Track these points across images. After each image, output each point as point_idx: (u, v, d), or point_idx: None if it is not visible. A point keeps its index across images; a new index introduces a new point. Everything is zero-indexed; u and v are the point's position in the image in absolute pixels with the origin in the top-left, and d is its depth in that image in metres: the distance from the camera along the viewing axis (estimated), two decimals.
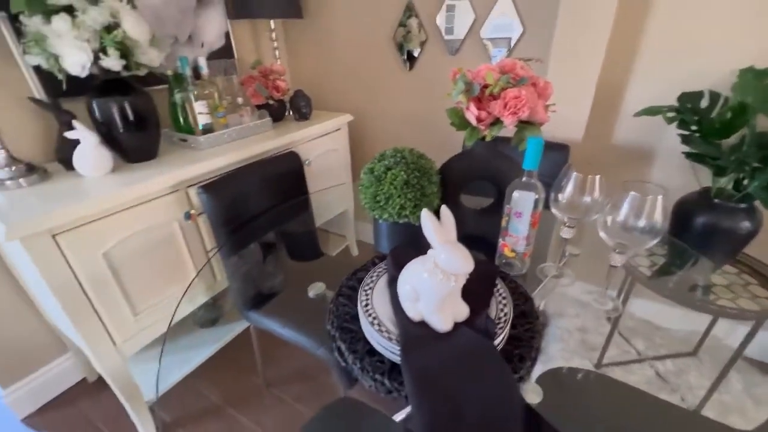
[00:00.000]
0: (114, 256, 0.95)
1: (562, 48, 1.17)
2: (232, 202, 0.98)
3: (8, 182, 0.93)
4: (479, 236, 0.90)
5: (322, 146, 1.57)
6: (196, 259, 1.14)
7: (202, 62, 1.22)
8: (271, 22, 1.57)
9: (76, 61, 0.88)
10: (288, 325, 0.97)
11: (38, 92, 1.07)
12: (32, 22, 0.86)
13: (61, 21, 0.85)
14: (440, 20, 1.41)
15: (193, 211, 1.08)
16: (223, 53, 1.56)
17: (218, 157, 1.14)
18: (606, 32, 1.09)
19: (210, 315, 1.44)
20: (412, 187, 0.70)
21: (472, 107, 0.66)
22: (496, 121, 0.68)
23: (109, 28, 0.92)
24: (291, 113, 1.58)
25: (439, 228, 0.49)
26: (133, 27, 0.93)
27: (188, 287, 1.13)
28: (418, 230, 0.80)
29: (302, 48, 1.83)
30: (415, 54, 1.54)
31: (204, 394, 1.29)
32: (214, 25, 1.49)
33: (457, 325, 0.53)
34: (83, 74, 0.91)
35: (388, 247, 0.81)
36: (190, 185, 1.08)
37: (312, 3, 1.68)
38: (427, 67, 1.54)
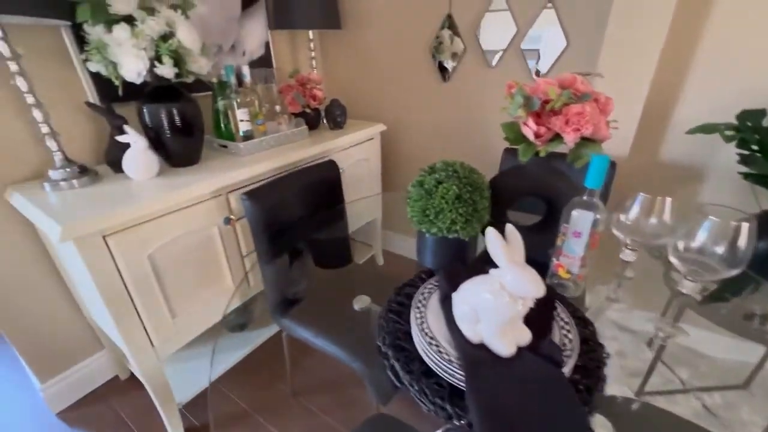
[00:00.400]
0: (157, 258, 0.96)
1: (609, 62, 1.14)
2: (272, 209, 0.98)
3: (62, 183, 0.96)
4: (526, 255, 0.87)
5: (355, 155, 1.57)
6: (232, 263, 1.15)
7: (246, 70, 1.25)
8: (310, 32, 1.60)
9: (133, 69, 0.91)
10: (321, 335, 0.96)
11: (92, 97, 1.12)
12: (95, 31, 0.89)
13: (121, 30, 0.88)
14: (480, 32, 1.41)
15: (232, 217, 1.09)
16: (263, 62, 1.59)
17: (258, 163, 1.15)
18: (658, 47, 1.06)
19: (239, 320, 1.45)
20: (464, 202, 0.68)
21: (531, 122, 0.64)
22: (555, 137, 0.66)
23: (165, 37, 0.95)
24: (325, 122, 1.60)
25: (507, 248, 0.48)
26: (186, 36, 0.96)
27: (236, 289, 1.14)
28: (465, 246, 0.79)
29: (337, 57, 1.86)
30: (451, 65, 1.53)
31: (232, 399, 1.29)
32: (255, 35, 1.53)
33: (519, 350, 0.50)
34: (138, 81, 0.94)
35: (432, 262, 0.80)
36: (231, 191, 1.10)
37: (350, 14, 1.70)
38: (464, 78, 1.53)
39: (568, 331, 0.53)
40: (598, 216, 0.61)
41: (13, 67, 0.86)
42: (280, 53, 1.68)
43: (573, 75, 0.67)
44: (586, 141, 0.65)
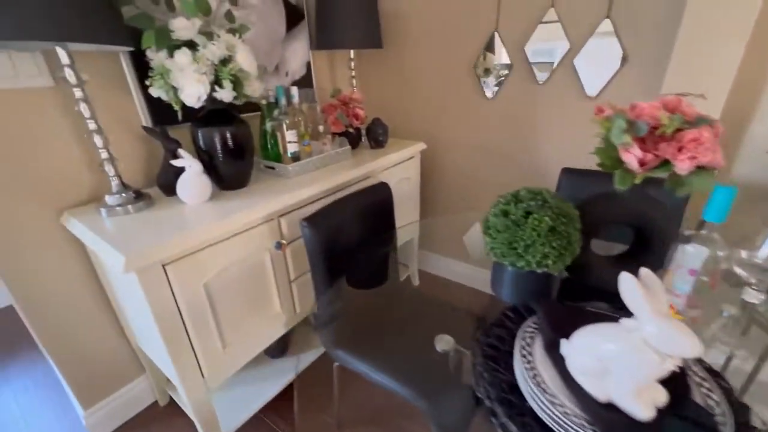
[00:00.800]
0: (212, 287, 0.93)
1: (677, 82, 1.08)
2: (331, 235, 0.94)
3: (118, 208, 0.94)
4: (604, 288, 0.81)
5: (396, 174, 1.53)
6: (281, 289, 1.12)
7: (294, 91, 1.23)
8: (351, 51, 1.59)
9: (194, 93, 0.89)
10: (382, 370, 0.90)
11: (146, 120, 1.11)
12: (158, 57, 0.89)
13: (183, 55, 0.87)
14: (529, 48, 1.37)
15: (283, 241, 1.06)
16: (304, 82, 1.58)
17: (308, 186, 1.12)
18: (734, 66, 0.99)
19: (280, 345, 1.40)
20: (558, 235, 0.63)
21: (636, 149, 0.59)
22: (661, 164, 0.60)
23: (224, 61, 0.93)
24: (365, 141, 1.57)
25: (649, 296, 0.42)
26: (245, 60, 0.94)
27: (287, 317, 1.10)
28: (551, 280, 0.72)
29: (375, 76, 1.84)
30: (496, 83, 1.49)
31: (275, 430, 1.24)
32: (298, 56, 1.52)
33: (659, 413, 0.44)
34: (198, 105, 0.92)
35: (513, 297, 0.74)
36: (282, 214, 1.07)
37: (391, 33, 1.69)
38: (510, 96, 1.49)
39: (709, 389, 0.46)
40: (720, 253, 0.55)
41: (77, 93, 0.85)
42: (319, 73, 1.68)
43: (677, 97, 0.61)
44: (698, 169, 0.59)
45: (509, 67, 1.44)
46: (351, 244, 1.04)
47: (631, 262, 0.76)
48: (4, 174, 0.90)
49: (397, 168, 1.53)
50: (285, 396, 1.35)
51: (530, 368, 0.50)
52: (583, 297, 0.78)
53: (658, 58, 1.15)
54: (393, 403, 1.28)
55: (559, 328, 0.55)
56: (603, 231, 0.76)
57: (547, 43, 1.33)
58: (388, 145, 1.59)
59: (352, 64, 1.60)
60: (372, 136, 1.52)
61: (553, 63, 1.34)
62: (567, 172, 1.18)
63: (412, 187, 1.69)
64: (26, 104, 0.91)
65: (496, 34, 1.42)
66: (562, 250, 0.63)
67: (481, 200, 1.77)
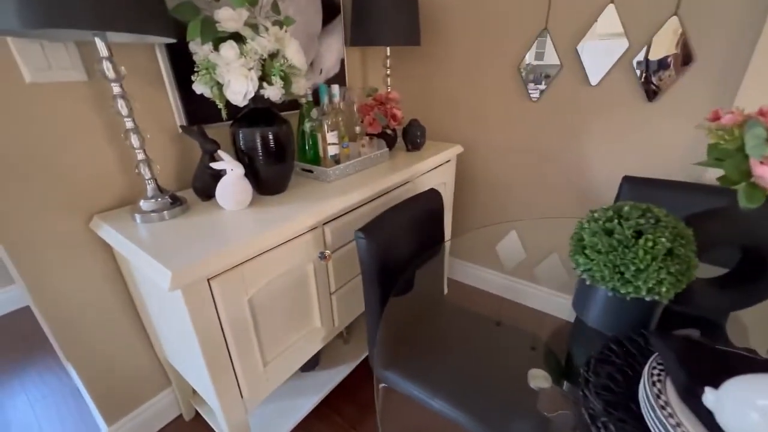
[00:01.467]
0: (256, 301, 0.86)
1: (758, 86, 0.99)
2: (385, 248, 0.87)
3: (153, 214, 0.87)
4: (701, 314, 0.73)
5: (434, 179, 1.45)
6: (321, 301, 1.04)
7: (336, 90, 1.16)
8: (387, 49, 1.51)
9: (241, 90, 0.82)
10: (440, 396, 0.82)
11: (180, 119, 1.04)
12: (202, 51, 0.81)
13: (229, 48, 0.80)
14: (582, 47, 1.28)
15: (327, 252, 0.98)
16: (337, 80, 1.51)
17: (351, 192, 1.04)
18: None
19: (312, 358, 1.33)
20: (676, 259, 0.55)
21: None
22: None
23: (271, 56, 0.86)
24: (402, 143, 1.49)
25: None
26: (294, 54, 0.87)
27: (327, 331, 1.02)
28: (654, 308, 0.64)
29: (410, 74, 1.76)
30: (543, 84, 1.41)
31: None
32: (333, 52, 1.45)
33: None
34: (243, 103, 0.85)
35: (604, 323, 0.66)
36: (326, 222, 0.99)
37: (429, 29, 1.61)
38: (557, 99, 1.40)
39: None
40: None
41: (115, 89, 0.78)
42: (351, 70, 1.60)
43: None
44: None
45: (558, 67, 1.36)
46: (403, 256, 0.96)
47: (739, 286, 0.67)
48: (31, 173, 0.83)
49: (434, 172, 1.45)
50: (319, 413, 1.28)
51: (675, 423, 0.42)
52: (671, 323, 0.70)
53: (732, 62, 1.06)
54: (438, 424, 1.19)
55: (696, 371, 0.47)
56: (701, 251, 0.67)
57: (603, 42, 1.24)
58: (424, 148, 1.51)
59: (388, 62, 1.52)
60: (409, 138, 1.44)
61: (608, 64, 1.25)
62: (630, 181, 1.09)
63: (448, 193, 1.61)
64: (59, 99, 0.84)
65: (546, 32, 1.34)
66: (680, 275, 0.55)
67: (517, 209, 1.68)
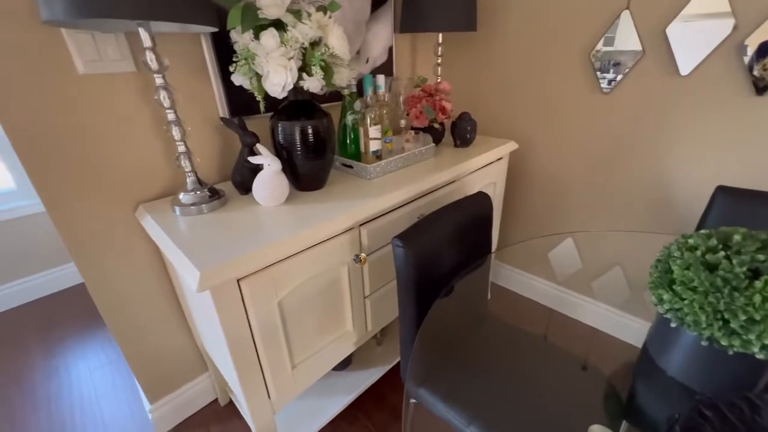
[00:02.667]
0: (286, 304, 0.82)
1: None
2: (425, 257, 0.79)
3: (192, 207, 0.87)
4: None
5: (484, 178, 1.34)
6: (354, 305, 0.99)
7: (381, 80, 1.08)
8: (439, 35, 1.40)
9: (279, 81, 0.77)
10: (476, 424, 0.74)
11: (223, 111, 1.03)
12: (243, 39, 0.78)
13: (270, 37, 0.75)
14: (672, 30, 1.08)
15: (363, 255, 0.92)
16: (384, 69, 1.43)
17: (392, 191, 0.97)
18: None
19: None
20: None
21: None
22: None
23: (313, 45, 0.80)
24: (451, 137, 1.39)
25: None
26: (337, 43, 0.80)
27: (358, 337, 0.98)
28: (762, 367, 0.50)
29: (462, 63, 1.64)
30: (619, 74, 1.22)
31: None
32: (380, 40, 1.37)
33: None
34: (282, 95, 0.80)
35: (689, 376, 0.53)
36: (362, 223, 0.93)
37: (486, 13, 1.47)
38: (636, 90, 1.21)
39: None
40: None
41: (158, 80, 0.77)
42: (399, 59, 1.51)
43: None
44: None
45: (639, 54, 1.16)
46: (445, 267, 0.88)
47: None
48: (82, 160, 0.85)
49: (482, 171, 1.33)
50: (346, 414, 1.25)
51: None
52: None
53: None
54: None
55: None
56: None
57: (700, 23, 1.04)
58: (474, 144, 1.39)
59: (439, 49, 1.41)
60: (458, 133, 1.33)
61: (706, 49, 1.05)
62: (727, 192, 0.91)
63: (497, 194, 1.48)
64: (109, 90, 0.85)
65: (627, 13, 1.15)
66: None
67: (577, 217, 1.51)
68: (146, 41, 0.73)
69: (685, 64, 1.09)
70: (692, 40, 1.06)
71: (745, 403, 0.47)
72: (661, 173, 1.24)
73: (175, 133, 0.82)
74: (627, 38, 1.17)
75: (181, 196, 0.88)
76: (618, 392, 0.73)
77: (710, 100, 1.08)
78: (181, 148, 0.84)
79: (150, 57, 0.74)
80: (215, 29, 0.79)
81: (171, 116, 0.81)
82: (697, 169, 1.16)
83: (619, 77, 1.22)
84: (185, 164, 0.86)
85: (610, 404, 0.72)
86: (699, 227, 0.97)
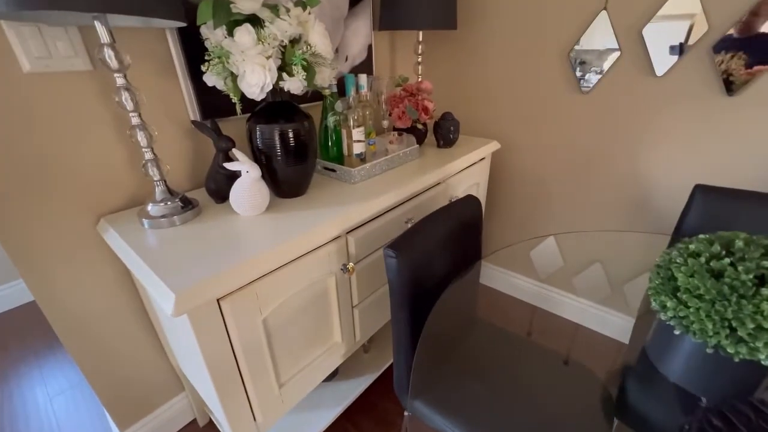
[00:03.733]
0: (271, 321, 0.77)
1: None
2: (418, 266, 0.76)
3: (162, 219, 0.79)
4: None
5: (467, 179, 1.32)
6: (342, 316, 0.95)
7: (363, 80, 1.04)
8: (420, 33, 1.37)
9: (256, 82, 0.71)
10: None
11: (194, 114, 0.95)
12: (215, 36, 0.71)
13: (245, 33, 0.69)
14: (648, 31, 1.10)
15: (351, 265, 0.88)
16: (364, 68, 1.38)
17: (378, 195, 0.93)
18: None
19: None
20: None
21: None
22: None
23: (293, 42, 0.75)
24: (433, 138, 1.36)
25: None
26: (319, 40, 0.75)
27: (347, 349, 0.93)
28: (762, 373, 0.50)
29: (442, 62, 1.62)
30: (596, 74, 1.24)
31: None
32: (359, 37, 1.32)
33: None
34: (260, 97, 0.74)
35: (692, 383, 0.53)
36: (349, 231, 0.89)
37: (466, 11, 1.45)
38: (613, 90, 1.23)
39: None
40: None
41: (119, 80, 0.69)
42: (379, 58, 1.47)
43: None
44: None
45: (617, 54, 1.18)
46: (437, 275, 0.85)
47: None
48: (32, 170, 0.76)
49: (466, 172, 1.31)
50: (335, 426, 1.21)
51: None
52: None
53: None
54: None
55: None
56: None
57: (675, 24, 1.06)
58: (456, 144, 1.38)
59: (420, 48, 1.38)
60: (441, 133, 1.31)
61: (679, 50, 1.07)
62: (704, 191, 0.93)
63: (480, 195, 1.47)
64: (63, 91, 0.76)
65: (605, 14, 1.16)
66: None
67: (558, 216, 1.53)
68: (103, 37, 0.65)
69: (661, 64, 1.11)
70: (667, 42, 1.09)
71: (750, 410, 0.47)
72: (640, 172, 1.27)
73: (141, 138, 0.74)
74: (605, 39, 1.19)
75: (150, 207, 0.80)
76: (611, 393, 0.73)
77: (685, 101, 1.11)
78: (148, 155, 0.76)
79: (108, 54, 0.66)
80: (183, 24, 0.72)
81: (135, 120, 0.73)
82: (675, 168, 1.20)
83: (598, 77, 1.24)
84: (153, 172, 0.78)
85: (603, 405, 0.72)
86: (678, 225, 0.99)
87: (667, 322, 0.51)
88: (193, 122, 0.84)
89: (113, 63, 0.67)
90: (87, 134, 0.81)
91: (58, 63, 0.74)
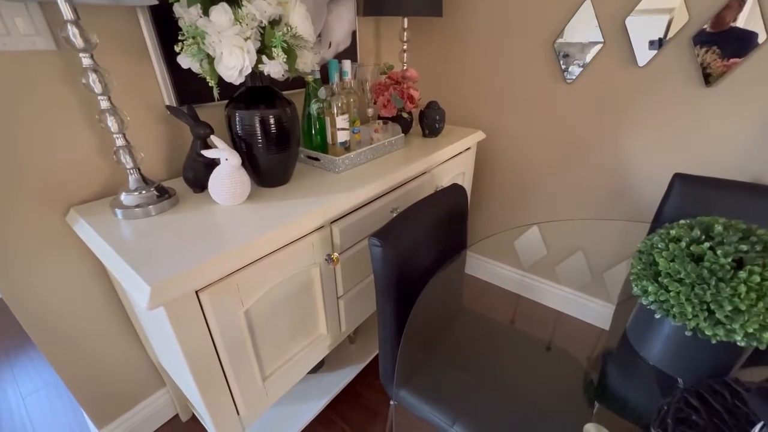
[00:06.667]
0: (254, 313, 0.75)
1: None
2: (404, 256, 0.75)
3: (136, 209, 0.75)
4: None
5: (453, 169, 1.32)
6: (327, 307, 0.93)
7: (347, 66, 1.01)
8: (405, 20, 1.34)
9: (234, 65, 0.68)
10: (460, 422, 0.73)
11: (169, 98, 0.91)
12: (189, 15, 0.67)
13: (222, 13, 0.66)
14: (632, 22, 1.11)
15: (335, 255, 0.86)
16: (348, 54, 1.35)
17: (363, 185, 0.92)
18: None
19: None
20: None
21: None
22: None
23: (272, 24, 0.72)
24: (419, 127, 1.35)
25: None
26: (301, 22, 0.72)
27: (332, 338, 0.92)
28: (740, 354, 0.51)
29: (427, 50, 1.59)
30: (580, 64, 1.24)
31: None
32: (343, 23, 1.29)
33: None
34: (239, 81, 0.71)
35: (670, 365, 0.54)
36: (334, 220, 0.87)
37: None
38: (596, 79, 1.24)
39: None
40: None
41: (85, 60, 0.65)
42: (363, 45, 1.44)
43: None
44: None
45: (600, 44, 1.19)
46: (423, 264, 0.85)
47: None
48: None
49: (451, 161, 1.31)
50: (321, 418, 1.20)
51: None
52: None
53: None
54: None
55: None
56: None
57: (657, 15, 1.07)
58: (442, 134, 1.37)
59: (405, 35, 1.35)
60: (427, 122, 1.30)
61: (660, 41, 1.09)
62: (683, 179, 0.95)
63: (466, 184, 1.47)
64: (22, 73, 0.71)
65: (589, 3, 1.16)
66: None
67: (542, 205, 1.54)
68: (66, 13, 0.61)
69: (643, 55, 1.13)
70: (649, 32, 1.10)
71: (726, 390, 0.48)
72: (622, 160, 1.29)
73: (111, 123, 0.70)
74: (588, 28, 1.19)
75: (123, 196, 0.76)
76: (592, 378, 0.75)
77: (665, 91, 1.13)
78: (120, 141, 0.72)
79: (72, 32, 0.62)
80: (154, 2, 0.68)
81: (104, 104, 0.69)
82: (655, 157, 1.22)
83: (581, 67, 1.24)
84: (126, 160, 0.74)
85: (585, 389, 0.73)
86: (658, 213, 1.02)
87: (648, 307, 0.52)
88: (168, 107, 0.80)
89: (78, 42, 0.63)
90: (52, 119, 0.76)
91: (16, 41, 0.68)
